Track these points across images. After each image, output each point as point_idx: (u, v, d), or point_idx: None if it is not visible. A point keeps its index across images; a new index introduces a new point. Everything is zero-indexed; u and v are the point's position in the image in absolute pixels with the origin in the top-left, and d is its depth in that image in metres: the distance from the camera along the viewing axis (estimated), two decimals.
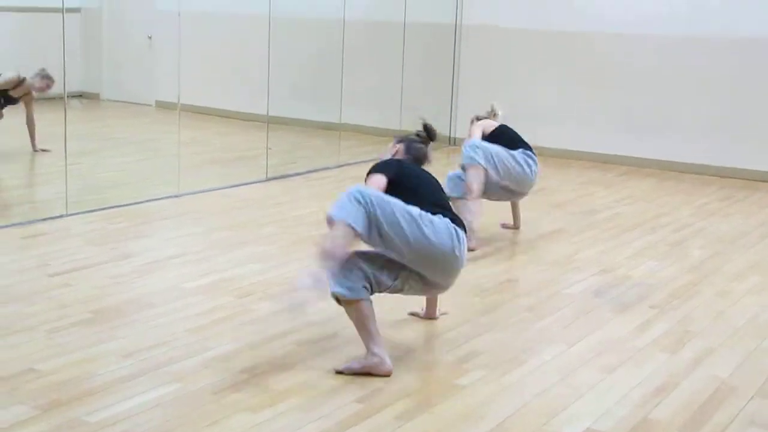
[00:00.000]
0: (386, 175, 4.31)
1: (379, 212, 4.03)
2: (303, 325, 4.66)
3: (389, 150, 4.75)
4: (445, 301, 5.02)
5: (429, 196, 4.36)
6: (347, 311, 4.16)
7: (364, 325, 4.14)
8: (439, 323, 4.82)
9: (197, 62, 10.78)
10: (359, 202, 4.02)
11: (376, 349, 4.13)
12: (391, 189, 4.24)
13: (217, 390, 3.88)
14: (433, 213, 4.19)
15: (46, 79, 8.73)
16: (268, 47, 8.67)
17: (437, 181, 4.63)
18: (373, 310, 4.14)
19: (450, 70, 10.77)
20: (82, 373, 3.99)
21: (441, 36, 10.73)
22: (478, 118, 6.88)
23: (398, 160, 4.58)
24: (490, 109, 6.94)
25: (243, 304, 4.95)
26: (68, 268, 5.49)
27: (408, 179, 4.38)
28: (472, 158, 6.32)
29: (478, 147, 6.37)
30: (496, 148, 6.41)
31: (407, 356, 4.38)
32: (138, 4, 12.13)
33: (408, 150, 4.69)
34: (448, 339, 4.61)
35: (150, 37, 11.70)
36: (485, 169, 6.30)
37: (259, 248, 6.10)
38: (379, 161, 4.52)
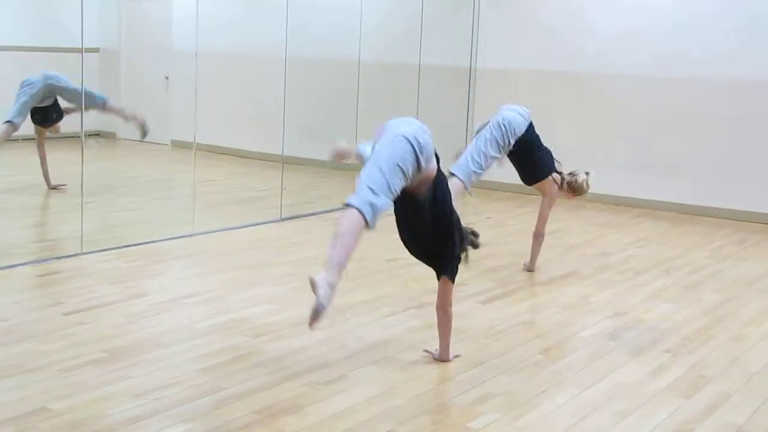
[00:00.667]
0: None
1: None
2: (314, 368, 4.65)
3: None
4: (458, 342, 5.01)
5: None
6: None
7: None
8: (452, 365, 4.80)
9: (213, 102, 10.84)
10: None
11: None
12: None
13: (229, 431, 3.86)
14: None
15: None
16: (284, 88, 8.72)
17: None
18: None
19: (464, 112, 10.80)
20: (94, 413, 3.98)
21: (456, 78, 10.78)
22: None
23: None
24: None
25: (255, 345, 4.95)
26: (83, 307, 5.50)
27: None
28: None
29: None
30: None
31: (420, 398, 4.35)
32: (156, 44, 12.21)
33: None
34: (461, 381, 4.59)
35: (167, 77, 11.78)
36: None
37: (272, 288, 6.10)
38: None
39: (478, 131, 6.84)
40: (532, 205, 9.39)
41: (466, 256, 4.84)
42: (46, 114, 8.80)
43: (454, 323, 5.39)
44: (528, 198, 9.33)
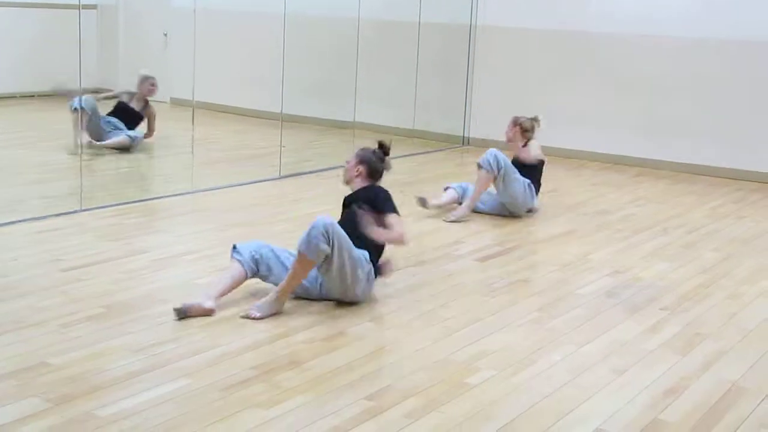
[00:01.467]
0: None
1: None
2: (312, 324, 4.66)
3: (351, 169, 5.33)
4: (455, 299, 5.03)
5: None
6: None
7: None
8: (450, 322, 4.81)
9: (212, 60, 10.80)
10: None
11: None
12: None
13: (226, 386, 3.88)
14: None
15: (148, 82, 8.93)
16: (283, 45, 8.67)
17: None
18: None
19: (464, 70, 10.74)
20: (93, 367, 4.00)
21: (456, 36, 10.71)
22: (522, 127, 7.43)
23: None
24: (534, 118, 7.41)
25: (253, 302, 4.95)
26: (81, 263, 5.50)
27: None
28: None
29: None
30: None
31: (417, 354, 4.37)
32: (154, 0, 12.16)
33: (370, 173, 5.30)
34: (458, 337, 4.60)
35: (166, 35, 11.73)
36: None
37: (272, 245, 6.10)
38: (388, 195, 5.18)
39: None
40: None
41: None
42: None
43: (451, 280, 5.42)
44: None
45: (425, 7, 10.37)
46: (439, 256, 6.07)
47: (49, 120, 8.87)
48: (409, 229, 6.60)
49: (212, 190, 7.75)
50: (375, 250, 4.98)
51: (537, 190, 7.38)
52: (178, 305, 4.65)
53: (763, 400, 4.04)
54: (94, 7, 11.98)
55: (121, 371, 3.97)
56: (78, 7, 7.26)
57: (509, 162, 7.13)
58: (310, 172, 8.81)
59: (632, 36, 9.71)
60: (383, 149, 5.39)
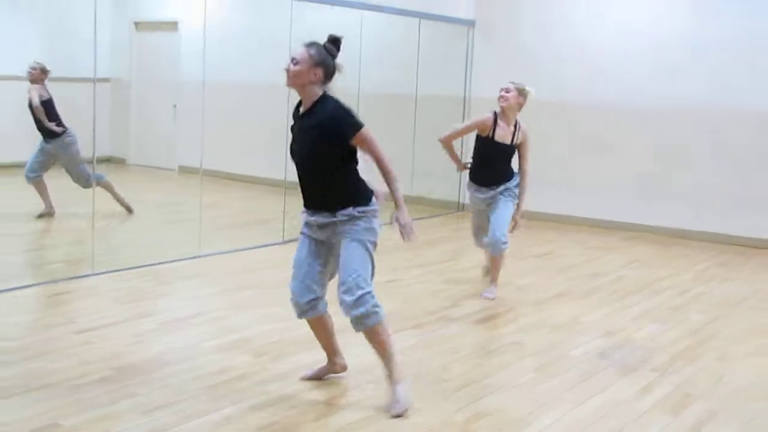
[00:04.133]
0: None
1: None
2: (314, 386, 4.62)
3: (305, 72, 4.33)
4: (453, 362, 4.99)
5: None
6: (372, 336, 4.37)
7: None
8: (448, 385, 4.77)
9: (219, 130, 10.86)
10: None
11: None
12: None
13: None
14: None
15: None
16: (286, 115, 8.70)
17: None
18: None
19: (459, 139, 10.77)
20: (102, 429, 3.95)
21: (451, 107, 10.78)
22: (524, 97, 6.64)
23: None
24: (522, 88, 6.65)
25: (259, 363, 4.92)
26: (93, 326, 5.48)
27: None
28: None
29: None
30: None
31: (416, 415, 4.32)
32: (165, 74, 12.26)
33: (327, 77, 4.41)
34: (457, 399, 4.56)
35: (175, 106, 11.81)
36: None
37: (276, 309, 6.05)
38: (355, 115, 4.47)
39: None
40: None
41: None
42: None
43: (449, 343, 5.38)
44: None
45: (422, 81, 10.45)
46: (438, 318, 6.04)
47: (65, 187, 8.87)
48: (409, 292, 6.60)
49: (218, 254, 7.75)
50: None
51: (512, 177, 6.71)
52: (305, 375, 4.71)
53: None
54: (108, 80, 12.09)
55: None
56: (93, 80, 7.32)
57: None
58: None
59: (611, 108, 9.78)
60: (336, 44, 4.42)
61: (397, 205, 4.35)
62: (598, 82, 9.94)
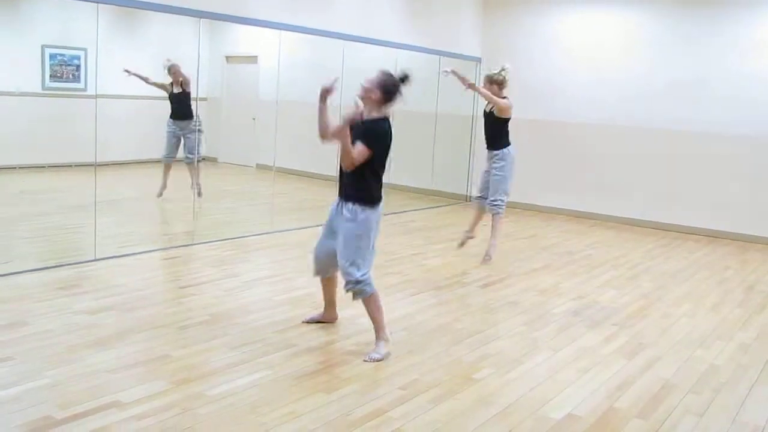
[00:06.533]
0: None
1: None
2: (359, 332, 4.63)
3: (369, 89, 4.12)
4: (463, 317, 4.98)
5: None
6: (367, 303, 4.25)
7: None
8: (460, 333, 4.76)
9: (287, 136, 10.85)
10: None
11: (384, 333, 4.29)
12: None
13: (299, 376, 3.86)
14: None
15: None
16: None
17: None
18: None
19: (468, 146, 10.76)
20: (203, 359, 3.99)
21: (462, 122, 10.73)
22: (491, 80, 6.54)
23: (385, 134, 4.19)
24: (500, 70, 6.56)
25: (316, 313, 4.93)
26: (194, 283, 5.51)
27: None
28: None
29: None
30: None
31: (437, 356, 4.32)
32: (247, 94, 12.26)
33: (383, 100, 4.18)
34: (467, 344, 4.56)
35: (254, 119, 11.81)
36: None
37: None
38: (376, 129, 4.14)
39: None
40: (514, 216, 9.36)
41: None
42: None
43: (460, 302, 5.37)
44: (515, 213, 9.27)
45: (440, 103, 10.39)
46: (452, 282, 6.02)
47: (175, 177, 8.89)
48: (430, 263, 6.57)
49: (285, 231, 7.76)
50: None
51: (507, 142, 6.67)
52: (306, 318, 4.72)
53: (687, 392, 3.98)
54: (205, 99, 12.09)
55: (223, 362, 3.96)
56: (196, 99, 7.35)
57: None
58: None
59: (584, 124, 9.70)
60: (404, 81, 4.18)
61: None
62: (575, 105, 9.85)
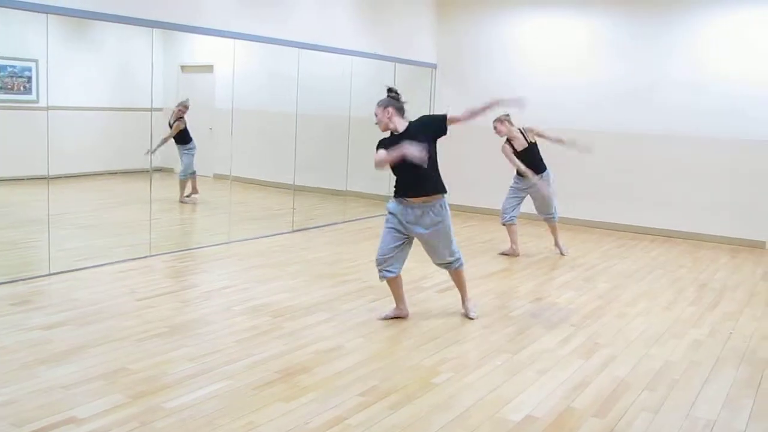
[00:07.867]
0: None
1: None
2: (319, 339, 4.63)
3: (383, 117, 4.83)
4: (422, 321, 5.01)
5: None
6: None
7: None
8: (419, 338, 4.79)
9: (244, 146, 10.80)
10: None
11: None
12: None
13: (258, 386, 3.85)
14: None
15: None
16: (295, 135, 8.72)
17: None
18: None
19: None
20: (160, 372, 3.96)
21: None
22: (509, 121, 7.33)
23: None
24: (507, 115, 7.35)
25: (276, 323, 4.93)
26: (151, 295, 5.46)
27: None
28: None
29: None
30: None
31: (397, 361, 4.34)
32: (203, 104, 12.19)
33: (398, 109, 4.89)
34: (426, 349, 4.58)
35: (210, 129, 11.73)
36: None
37: (288, 281, 6.08)
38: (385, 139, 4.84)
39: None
40: (473, 220, 9.43)
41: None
42: None
43: (419, 307, 5.39)
44: (467, 216, 9.30)
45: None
46: (411, 288, 6.02)
47: (130, 189, 8.81)
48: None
49: (243, 240, 7.73)
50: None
51: (543, 168, 7.51)
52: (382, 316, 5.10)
53: (642, 391, 4.04)
54: (160, 109, 11.96)
55: (180, 375, 3.94)
56: (150, 110, 7.28)
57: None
58: (315, 227, 8.80)
59: (553, 128, 9.82)
60: (392, 91, 4.97)
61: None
62: (531, 109, 9.93)
